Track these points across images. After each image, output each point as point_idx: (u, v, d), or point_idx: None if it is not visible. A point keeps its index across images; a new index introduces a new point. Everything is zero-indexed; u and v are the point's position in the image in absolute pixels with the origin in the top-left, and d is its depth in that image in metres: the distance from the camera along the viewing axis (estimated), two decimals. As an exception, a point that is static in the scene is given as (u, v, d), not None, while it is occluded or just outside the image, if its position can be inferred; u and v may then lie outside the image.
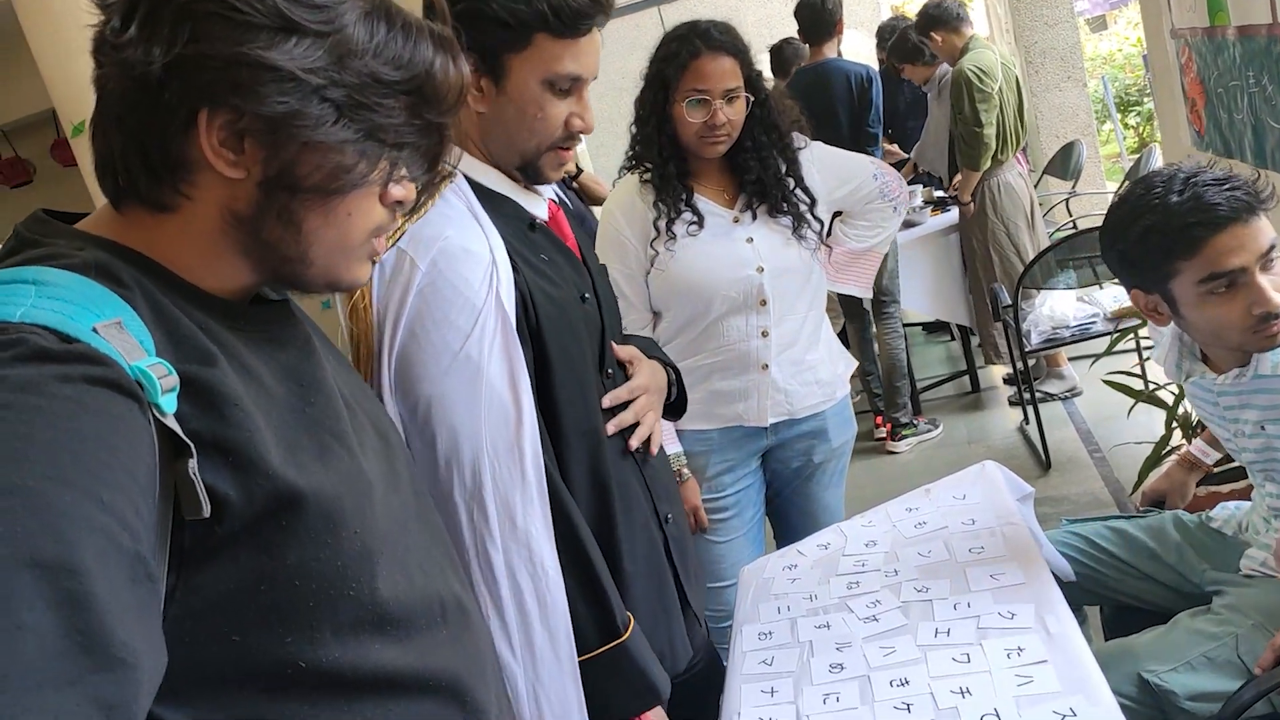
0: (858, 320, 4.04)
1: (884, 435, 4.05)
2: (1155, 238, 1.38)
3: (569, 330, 1.21)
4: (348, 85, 0.72)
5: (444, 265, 1.11)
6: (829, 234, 1.99)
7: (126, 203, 0.74)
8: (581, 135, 1.23)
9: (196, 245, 0.75)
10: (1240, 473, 2.23)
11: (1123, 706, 1.45)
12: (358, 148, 0.74)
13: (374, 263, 0.85)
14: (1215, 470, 1.88)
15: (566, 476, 1.18)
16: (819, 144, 1.99)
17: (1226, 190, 1.34)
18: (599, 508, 1.22)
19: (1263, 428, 1.50)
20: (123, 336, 0.65)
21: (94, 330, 0.64)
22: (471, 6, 1.14)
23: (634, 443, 1.26)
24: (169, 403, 0.65)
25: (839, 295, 3.98)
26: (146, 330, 0.67)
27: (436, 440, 1.10)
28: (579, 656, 1.12)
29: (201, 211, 0.74)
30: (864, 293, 2.27)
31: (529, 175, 1.25)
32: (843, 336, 4.31)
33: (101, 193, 0.76)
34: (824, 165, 1.95)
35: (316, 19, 0.71)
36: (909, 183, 4.76)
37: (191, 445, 0.65)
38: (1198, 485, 2.02)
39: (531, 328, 1.17)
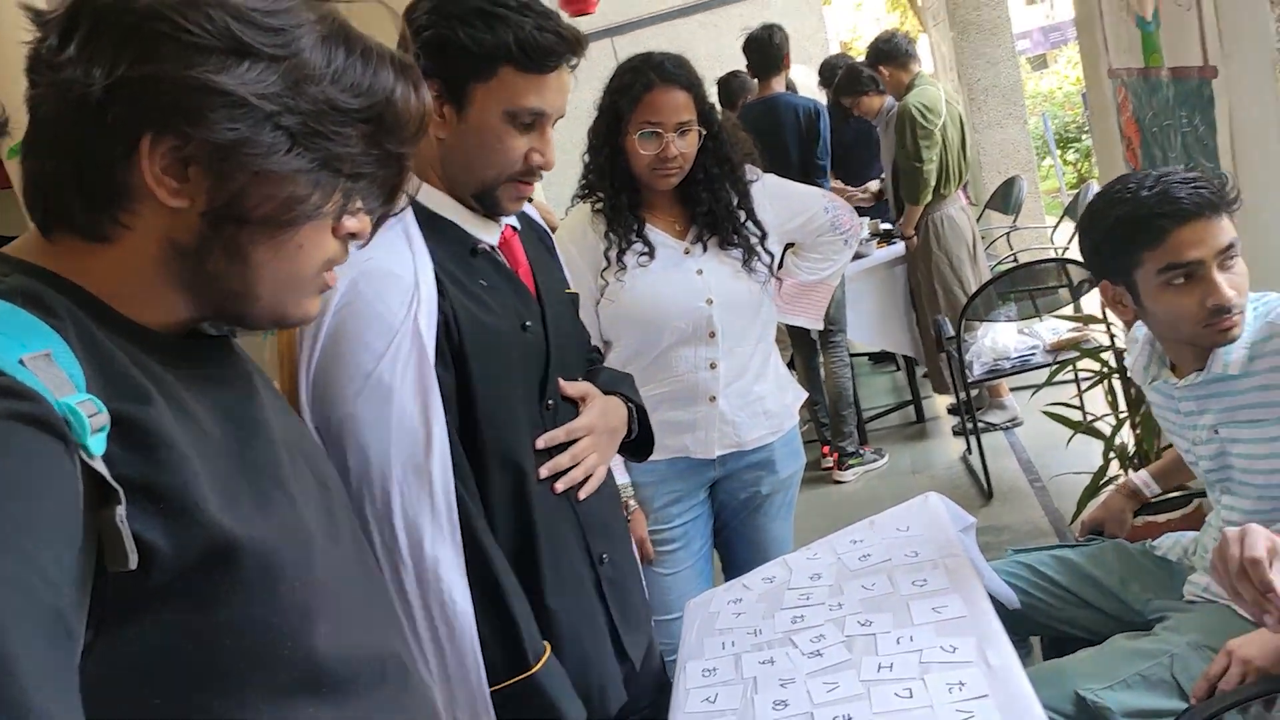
0: (805, 350, 4.08)
1: (830, 465, 4.07)
2: (1123, 228, 1.45)
3: (498, 357, 1.19)
4: (303, 112, 0.69)
5: (364, 286, 1.10)
6: (780, 266, 2.00)
7: (58, 231, 0.70)
8: (541, 171, 1.23)
9: (133, 278, 0.70)
10: (1179, 503, 2.28)
11: None
12: (312, 177, 0.71)
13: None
14: (1153, 500, 1.91)
15: (487, 505, 1.17)
16: (771, 176, 2.01)
17: (1192, 188, 1.41)
18: (521, 539, 1.20)
19: (1216, 431, 1.53)
20: (51, 370, 0.60)
21: (20, 362, 0.59)
22: (439, 34, 1.14)
23: (559, 487, 1.24)
24: (97, 444, 0.60)
25: (786, 325, 4.02)
26: (77, 364, 0.63)
27: (348, 460, 1.09)
28: (490, 686, 1.11)
29: (140, 242, 0.70)
30: (815, 324, 2.29)
31: (486, 205, 1.24)
32: (790, 366, 4.35)
33: (30, 220, 0.72)
34: (776, 198, 1.97)
35: (271, 42, 0.68)
36: (873, 210, 4.85)
37: (120, 491, 0.60)
38: (1135, 515, 2.06)
39: (455, 352, 1.16)
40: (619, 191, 1.80)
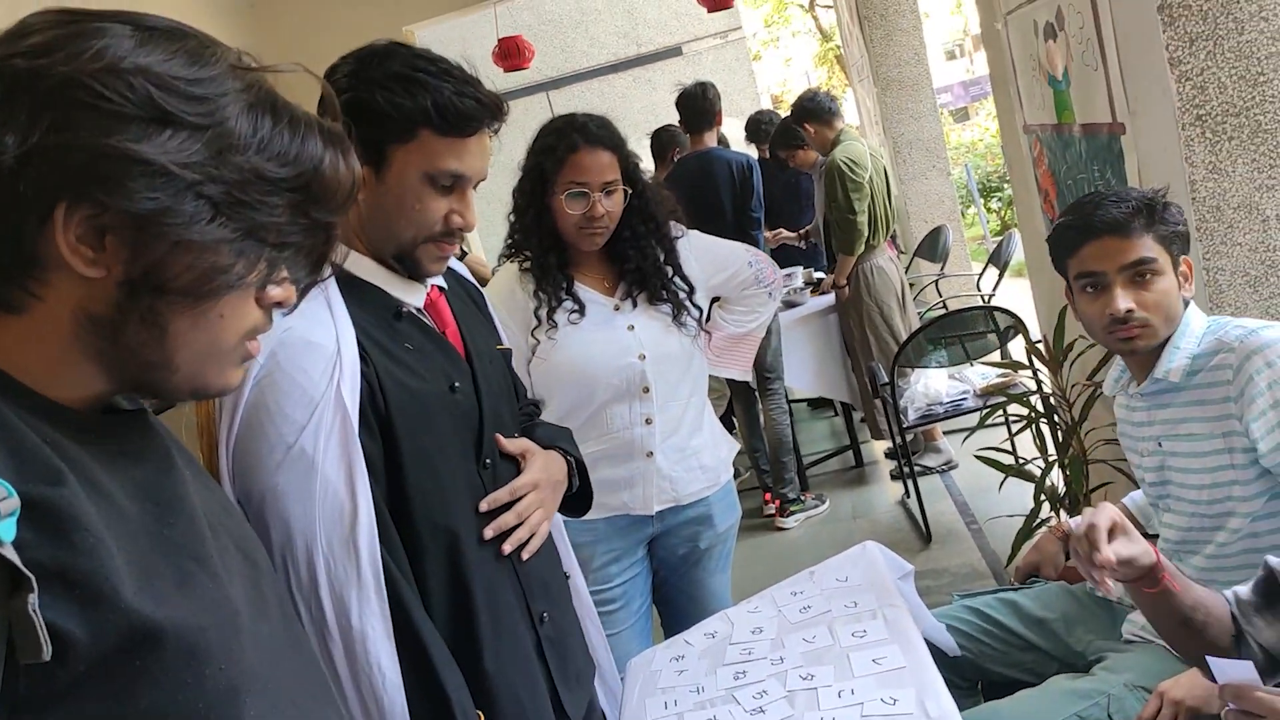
0: (744, 398, 4.11)
1: (773, 512, 4.09)
2: (1059, 233, 1.61)
3: (425, 422, 1.18)
4: (227, 181, 0.67)
5: (283, 357, 1.08)
6: (708, 319, 2.03)
7: None
8: (462, 232, 1.22)
9: (44, 350, 0.68)
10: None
11: None
12: (235, 247, 0.69)
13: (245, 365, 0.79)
14: None
15: (419, 573, 1.15)
16: (695, 233, 2.04)
17: (1115, 207, 1.53)
18: (457, 604, 1.18)
19: (1160, 444, 1.59)
20: None
21: None
22: (357, 97, 1.13)
23: (507, 547, 1.23)
24: (7, 529, 0.57)
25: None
26: None
27: (271, 533, 1.07)
28: None
29: (52, 313, 0.67)
30: (744, 376, 2.32)
31: (407, 266, 1.23)
32: (730, 413, 4.38)
33: None
34: (701, 253, 1.99)
35: (195, 111, 0.67)
36: (807, 259, 4.94)
37: (32, 578, 0.57)
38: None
39: (381, 419, 1.14)
40: (547, 250, 1.81)
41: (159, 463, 0.75)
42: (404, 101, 1.13)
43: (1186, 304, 1.56)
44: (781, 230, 4.94)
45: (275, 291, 0.74)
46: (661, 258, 1.88)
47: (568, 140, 1.76)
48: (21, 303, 0.67)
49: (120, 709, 0.63)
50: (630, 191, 1.82)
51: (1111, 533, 1.17)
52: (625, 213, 1.82)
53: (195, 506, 0.75)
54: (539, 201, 1.80)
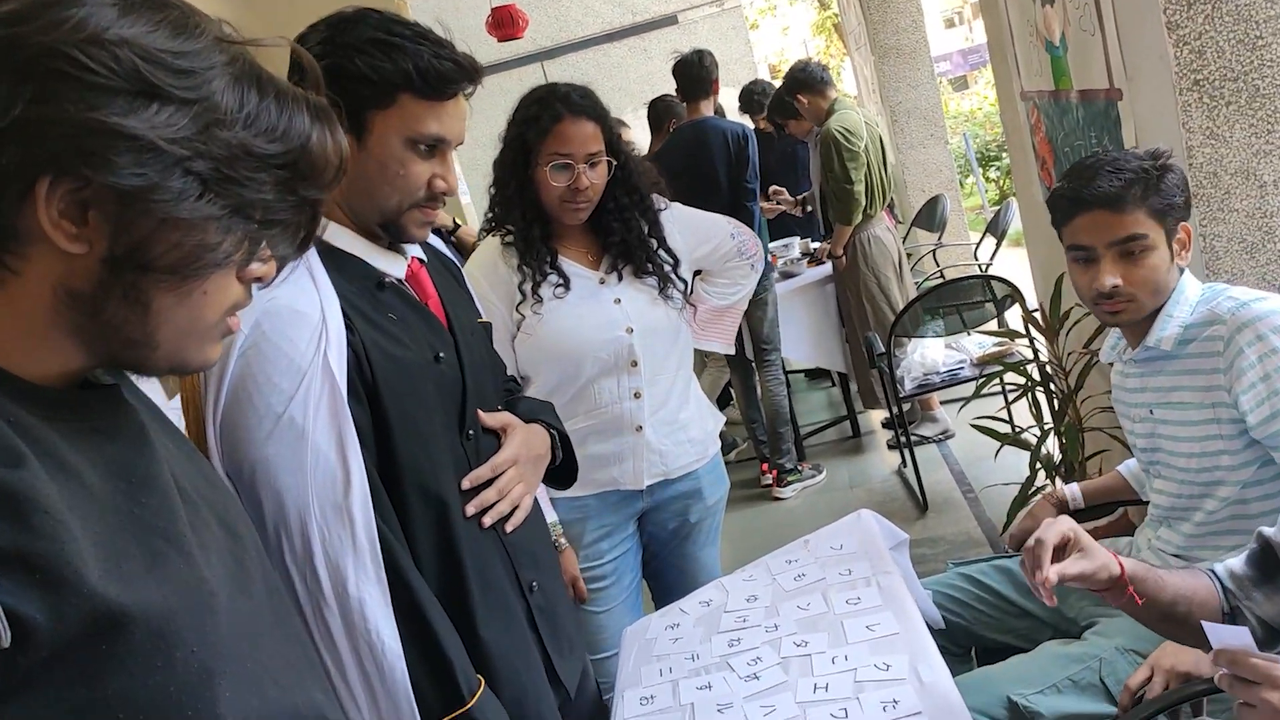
0: (741, 369, 4.11)
1: (770, 482, 4.10)
2: (1055, 199, 1.58)
3: (412, 392, 1.17)
4: (215, 157, 0.66)
5: (268, 326, 1.07)
6: (690, 293, 2.02)
7: None
8: (445, 196, 1.22)
9: (19, 325, 0.66)
10: (1104, 511, 2.34)
11: None
12: (222, 224, 0.67)
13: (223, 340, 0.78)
14: (1075, 512, 1.95)
15: (411, 540, 1.15)
16: (678, 205, 2.02)
17: (1110, 179, 1.49)
18: (448, 572, 1.18)
19: (1151, 411, 1.59)
20: None
21: None
22: (335, 63, 1.12)
23: (487, 521, 1.23)
24: None
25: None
26: None
27: (264, 505, 1.06)
28: None
29: (30, 289, 0.65)
30: (727, 349, 2.30)
31: (392, 233, 1.23)
32: (728, 386, 4.38)
33: None
34: (684, 225, 1.98)
35: (181, 84, 0.65)
36: (803, 229, 4.91)
37: None
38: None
39: (369, 388, 1.14)
40: (530, 223, 1.78)
41: (133, 439, 0.74)
42: (384, 65, 1.12)
43: (1182, 271, 1.55)
44: (783, 192, 4.90)
45: (256, 267, 0.73)
46: (646, 230, 1.86)
47: (551, 110, 1.73)
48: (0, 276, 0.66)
49: (88, 694, 0.61)
50: (614, 163, 1.79)
51: (1067, 549, 1.18)
52: (609, 185, 1.80)
53: (169, 482, 0.74)
54: (521, 174, 1.77)
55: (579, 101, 1.74)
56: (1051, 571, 1.15)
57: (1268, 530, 1.21)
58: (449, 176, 1.20)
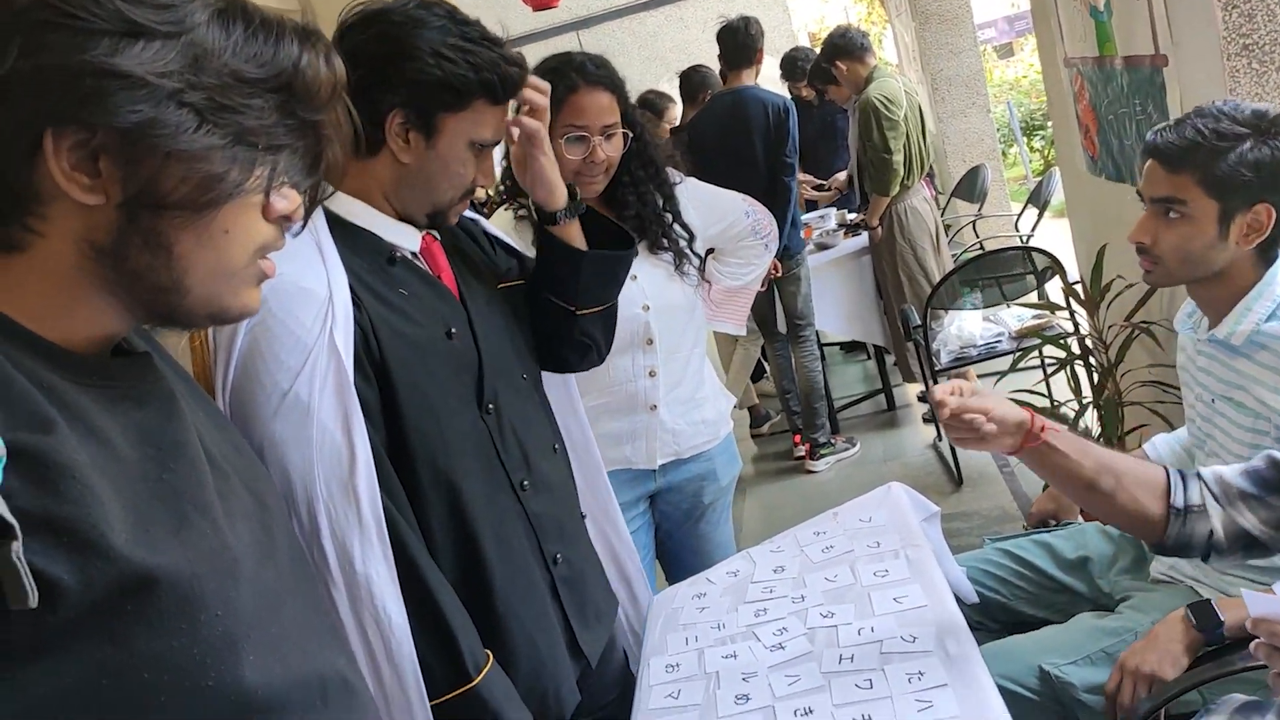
0: (774, 341, 4.09)
1: (803, 455, 4.09)
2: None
3: (422, 368, 1.18)
4: (207, 87, 0.66)
5: (275, 304, 1.08)
6: (703, 271, 1.99)
7: None
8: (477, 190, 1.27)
9: (49, 288, 0.67)
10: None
11: (1022, 697, 1.50)
12: (227, 154, 0.68)
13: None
14: None
15: (423, 516, 1.16)
16: (693, 180, 1.98)
17: (1178, 132, 1.43)
18: (463, 547, 1.19)
19: (1213, 401, 1.54)
20: None
21: None
22: (415, 66, 1.14)
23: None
24: None
25: (755, 316, 4.02)
26: None
27: (272, 479, 1.06)
28: (430, 700, 1.09)
29: (56, 248, 0.66)
30: (739, 330, 2.27)
31: (436, 222, 1.26)
32: (763, 357, 4.36)
33: None
34: (699, 202, 1.94)
35: (164, 20, 0.66)
36: (840, 201, 4.85)
37: (16, 525, 0.56)
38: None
39: (377, 366, 1.14)
40: None
41: (163, 406, 0.75)
42: (465, 74, 1.15)
43: (1273, 259, 1.45)
44: (808, 183, 4.84)
45: (280, 204, 0.73)
46: (661, 204, 1.82)
47: (566, 80, 1.67)
48: (22, 240, 0.66)
49: (114, 654, 0.63)
50: (630, 135, 1.74)
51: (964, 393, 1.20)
52: (624, 157, 1.75)
53: (198, 451, 0.75)
54: None
55: (594, 71, 1.69)
56: (950, 399, 1.17)
57: (1278, 453, 1.19)
58: (488, 173, 1.25)
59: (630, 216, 1.80)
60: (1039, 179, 5.73)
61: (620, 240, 1.44)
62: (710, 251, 2.07)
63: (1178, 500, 1.21)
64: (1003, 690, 1.42)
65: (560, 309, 1.39)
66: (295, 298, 1.09)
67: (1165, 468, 1.25)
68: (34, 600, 0.58)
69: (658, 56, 7.75)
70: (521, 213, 1.80)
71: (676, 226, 1.85)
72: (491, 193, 3.29)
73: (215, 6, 0.69)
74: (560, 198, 1.36)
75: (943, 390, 1.20)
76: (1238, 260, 1.45)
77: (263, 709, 0.71)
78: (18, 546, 0.57)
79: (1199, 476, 1.23)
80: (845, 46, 4.03)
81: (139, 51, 0.65)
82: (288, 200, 0.74)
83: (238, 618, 0.70)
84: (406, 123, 1.16)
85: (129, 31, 0.65)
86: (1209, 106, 1.44)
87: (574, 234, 1.38)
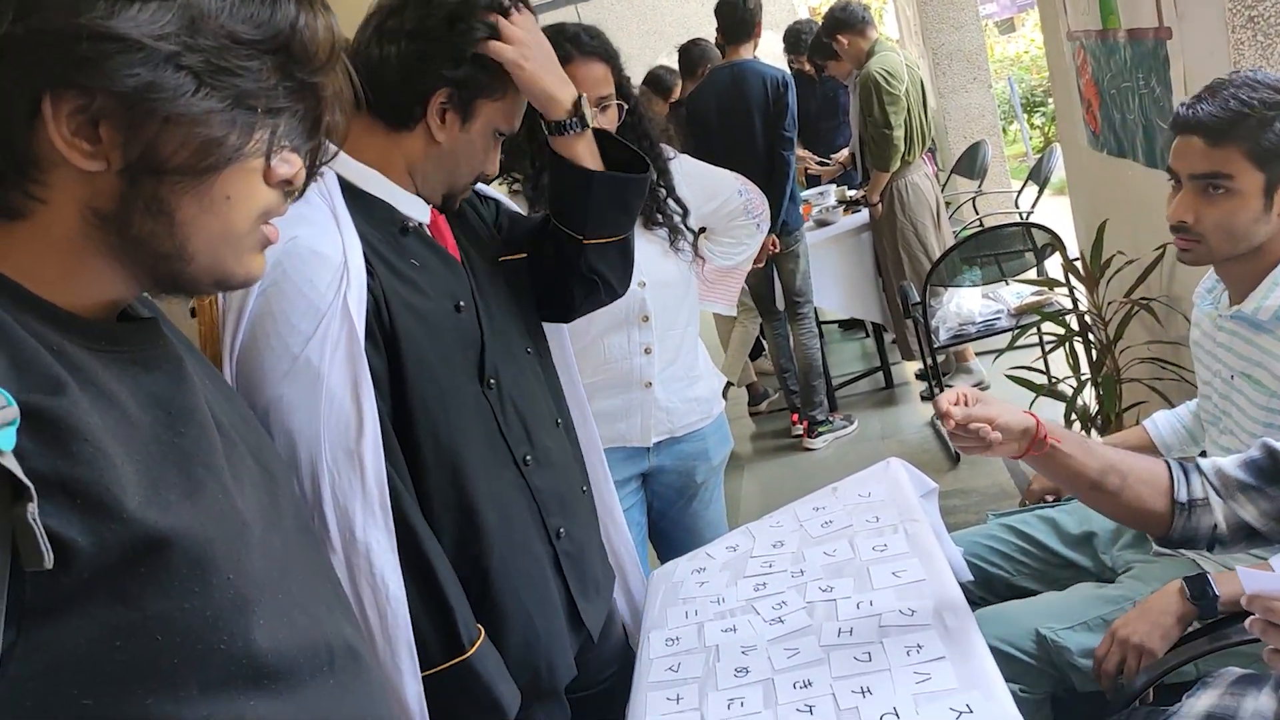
0: (771, 319, 4.08)
1: (801, 432, 4.09)
2: (1171, 116, 1.47)
3: (431, 340, 1.17)
4: (204, 49, 0.66)
5: (289, 266, 1.07)
6: (695, 248, 1.97)
7: None
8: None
9: (55, 254, 0.67)
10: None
11: (1018, 660, 1.51)
12: (226, 117, 0.67)
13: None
14: None
15: (423, 487, 1.15)
16: (686, 157, 1.97)
17: (1219, 103, 1.37)
18: (463, 519, 1.19)
19: (1231, 378, 1.51)
20: None
21: None
22: (464, 49, 1.16)
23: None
24: (7, 439, 0.57)
25: (753, 296, 4.01)
26: None
27: (276, 444, 1.06)
28: (423, 671, 1.10)
29: (59, 215, 0.66)
30: (729, 310, 2.26)
31: (446, 204, 1.27)
32: (760, 334, 4.35)
33: None
34: (692, 179, 1.93)
35: None
36: (840, 177, 4.82)
37: (31, 487, 0.57)
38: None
39: (386, 335, 1.14)
40: (540, 171, 1.73)
41: (172, 371, 0.75)
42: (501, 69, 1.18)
43: None
44: (809, 159, 4.81)
45: (282, 168, 0.73)
46: (655, 178, 1.80)
47: (560, 51, 1.59)
48: (25, 207, 0.66)
49: (128, 614, 0.63)
50: (624, 107, 1.73)
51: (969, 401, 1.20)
52: (618, 131, 1.72)
53: (207, 416, 0.75)
54: (529, 119, 1.73)
55: (588, 42, 1.68)
56: (955, 410, 1.17)
57: (1274, 442, 1.19)
58: (495, 161, 1.27)
59: None
60: (1039, 156, 5.70)
61: (635, 164, 1.36)
62: (703, 230, 2.05)
63: (1181, 495, 1.21)
64: (999, 653, 1.44)
65: (568, 237, 1.32)
66: (310, 261, 1.08)
67: (1168, 461, 1.25)
68: (49, 561, 0.58)
69: (657, 30, 7.70)
70: (516, 187, 1.79)
71: (670, 202, 1.84)
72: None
73: None
74: (561, 104, 1.26)
75: (947, 400, 1.20)
76: (1275, 233, 1.42)
77: (272, 673, 0.71)
78: (33, 508, 0.57)
79: (1199, 469, 1.23)
80: (846, 20, 4.01)
81: (135, 13, 0.64)
82: (289, 164, 0.74)
83: (249, 581, 0.70)
84: (448, 103, 1.17)
85: None
86: (1236, 77, 1.39)
87: (583, 152, 1.30)
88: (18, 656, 0.59)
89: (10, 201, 0.66)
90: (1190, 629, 1.44)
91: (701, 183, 1.97)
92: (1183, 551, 1.62)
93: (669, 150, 1.89)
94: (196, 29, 0.66)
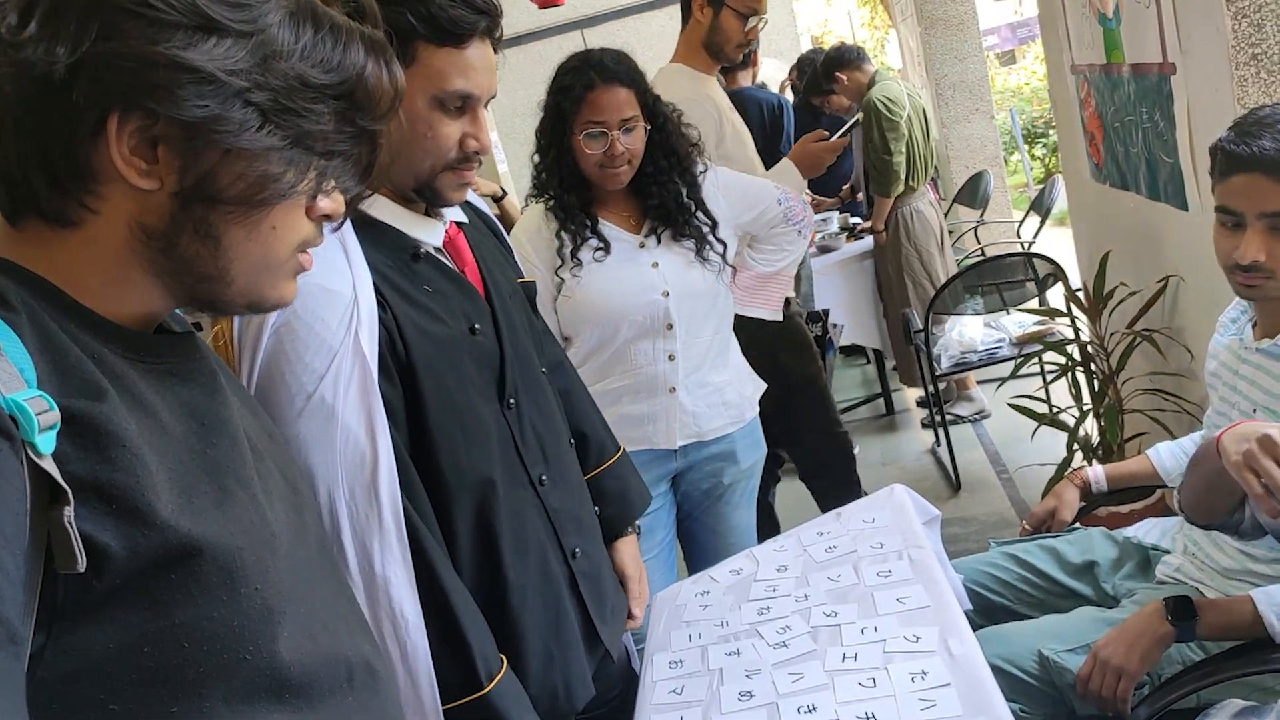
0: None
1: (801, 458, 4.08)
2: (1217, 149, 1.40)
3: (449, 366, 1.17)
4: (273, 89, 0.68)
5: (300, 305, 1.07)
6: (726, 257, 2.01)
7: (24, 217, 0.68)
8: (479, 156, 1.19)
9: (100, 264, 0.69)
10: (1143, 493, 2.31)
11: (1019, 680, 1.51)
12: (284, 155, 0.70)
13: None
14: (1098, 495, 1.93)
15: (445, 515, 1.15)
16: (723, 169, 2.02)
17: (1269, 141, 1.33)
18: (482, 545, 1.18)
19: (1254, 411, 1.49)
20: (1, 364, 0.58)
21: None
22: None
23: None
24: (46, 442, 0.58)
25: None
26: (29, 358, 0.61)
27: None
28: (443, 704, 1.09)
29: (108, 227, 0.68)
30: (774, 316, 2.30)
31: (427, 197, 1.21)
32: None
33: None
34: (729, 190, 1.97)
35: (238, 18, 0.67)
36: (845, 206, 4.85)
37: (69, 491, 0.58)
38: (1100, 507, 2.09)
39: (402, 365, 1.13)
40: (568, 190, 1.81)
41: (206, 384, 0.76)
42: (393, 16, 1.03)
43: None
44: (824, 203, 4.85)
45: (324, 203, 0.75)
46: (684, 193, 1.86)
47: (584, 79, 1.74)
48: (76, 216, 0.68)
49: (156, 621, 0.64)
50: (650, 127, 1.80)
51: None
52: (647, 148, 1.81)
53: (239, 429, 0.76)
54: (560, 141, 1.79)
55: (612, 67, 1.75)
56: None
57: None
58: (481, 135, 1.16)
59: (654, 205, 1.85)
60: (1040, 187, 5.74)
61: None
62: (747, 239, 2.09)
63: None
64: (1001, 672, 1.44)
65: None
66: (320, 299, 1.08)
67: None
68: (82, 564, 0.59)
69: (662, 56, 7.71)
70: (550, 205, 1.84)
71: (699, 214, 1.88)
72: (501, 188, 3.31)
73: (288, 8, 0.70)
74: None
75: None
76: None
77: (294, 687, 0.71)
78: (69, 511, 0.58)
79: None
80: (841, 59, 4.12)
81: (211, 47, 0.66)
82: (334, 202, 0.76)
83: (275, 592, 0.71)
84: None
85: (203, 26, 0.66)
86: (1275, 113, 1.36)
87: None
88: (47, 659, 0.60)
89: (65, 209, 0.67)
90: (1196, 660, 1.44)
91: (739, 193, 2.01)
92: (1186, 580, 1.62)
93: (702, 163, 1.93)
94: (268, 67, 0.68)
